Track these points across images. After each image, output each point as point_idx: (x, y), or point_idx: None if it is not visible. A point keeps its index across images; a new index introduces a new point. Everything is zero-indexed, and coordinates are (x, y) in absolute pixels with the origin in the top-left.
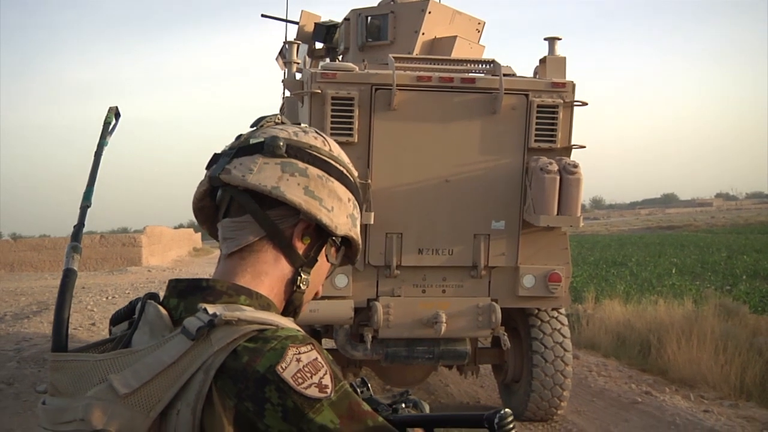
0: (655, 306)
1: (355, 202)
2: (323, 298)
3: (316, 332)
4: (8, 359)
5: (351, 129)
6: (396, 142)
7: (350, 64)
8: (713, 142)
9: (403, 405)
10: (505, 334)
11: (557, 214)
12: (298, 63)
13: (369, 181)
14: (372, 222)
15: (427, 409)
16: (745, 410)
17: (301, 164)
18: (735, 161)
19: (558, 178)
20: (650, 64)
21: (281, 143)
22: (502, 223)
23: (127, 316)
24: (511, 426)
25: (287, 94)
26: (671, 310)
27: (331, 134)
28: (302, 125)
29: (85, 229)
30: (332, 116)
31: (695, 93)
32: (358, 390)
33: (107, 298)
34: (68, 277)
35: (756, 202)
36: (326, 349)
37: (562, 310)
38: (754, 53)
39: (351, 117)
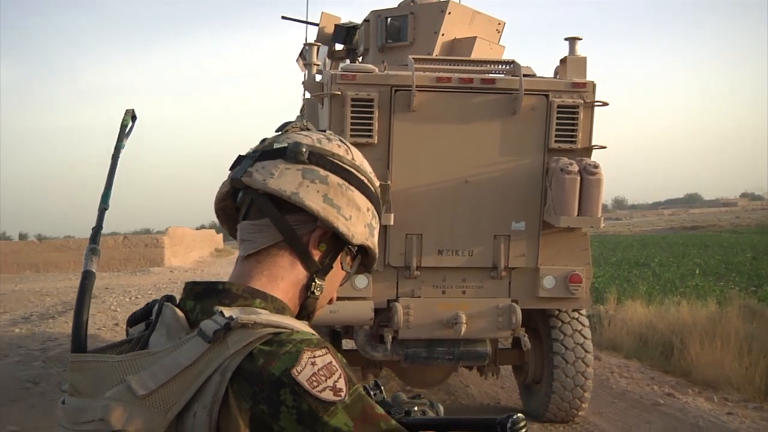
0: (677, 307)
1: (375, 212)
2: (344, 298)
3: (336, 333)
4: (34, 359)
5: (371, 130)
6: (416, 143)
7: (370, 66)
8: (738, 140)
9: (416, 408)
10: (526, 335)
11: (578, 215)
12: (318, 65)
13: (389, 182)
14: (392, 223)
15: (441, 411)
16: None
17: (322, 172)
18: (760, 160)
19: (578, 178)
20: (673, 60)
21: (304, 149)
22: (522, 223)
23: (144, 318)
24: (524, 431)
25: (307, 95)
26: (694, 311)
27: (351, 136)
28: (327, 132)
29: (108, 230)
30: (352, 118)
31: (720, 90)
32: (372, 393)
33: (130, 298)
34: (87, 279)
35: None
36: (346, 350)
37: (583, 311)
38: None
39: (371, 118)
